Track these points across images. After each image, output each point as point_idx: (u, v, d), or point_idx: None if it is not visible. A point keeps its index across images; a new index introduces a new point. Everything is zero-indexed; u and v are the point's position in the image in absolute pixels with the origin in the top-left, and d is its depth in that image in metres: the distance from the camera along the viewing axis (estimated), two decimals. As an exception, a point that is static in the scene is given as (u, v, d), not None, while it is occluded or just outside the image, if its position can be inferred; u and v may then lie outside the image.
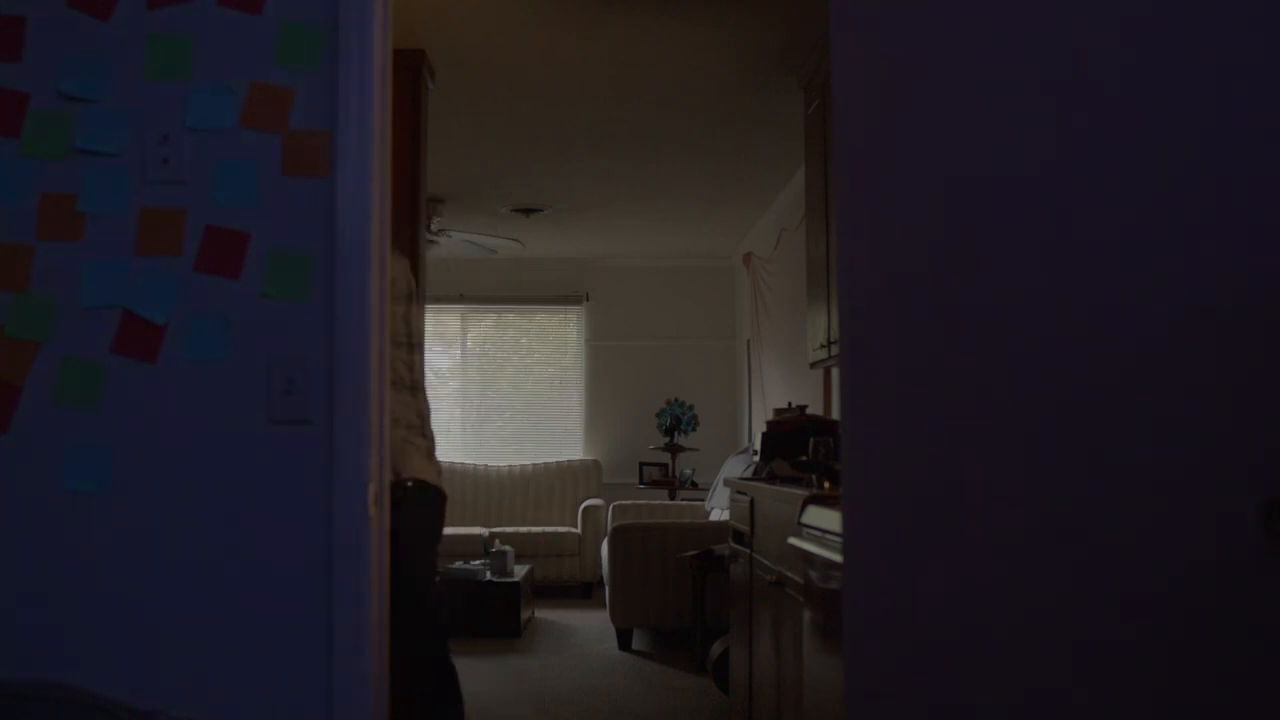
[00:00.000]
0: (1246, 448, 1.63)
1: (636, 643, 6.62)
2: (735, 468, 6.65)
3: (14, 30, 2.20)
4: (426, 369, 5.60)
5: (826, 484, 3.80)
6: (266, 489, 2.16)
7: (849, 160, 1.93)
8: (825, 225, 4.19)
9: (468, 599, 6.80)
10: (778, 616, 3.70)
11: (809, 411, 5.26)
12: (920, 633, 1.82)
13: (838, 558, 2.55)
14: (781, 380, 7.09)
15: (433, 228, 7.30)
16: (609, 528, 7.00)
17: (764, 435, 4.79)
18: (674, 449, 8.95)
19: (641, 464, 9.27)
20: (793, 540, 3.28)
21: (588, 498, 9.08)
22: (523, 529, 8.61)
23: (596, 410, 9.64)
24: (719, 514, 7.05)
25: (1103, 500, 1.70)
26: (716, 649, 5.34)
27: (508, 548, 7.19)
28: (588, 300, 9.69)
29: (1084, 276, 1.72)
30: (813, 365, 4.74)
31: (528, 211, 7.57)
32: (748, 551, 4.29)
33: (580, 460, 9.38)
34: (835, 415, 5.31)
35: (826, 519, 3.02)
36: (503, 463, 9.38)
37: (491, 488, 9.15)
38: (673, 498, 8.82)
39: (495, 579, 6.93)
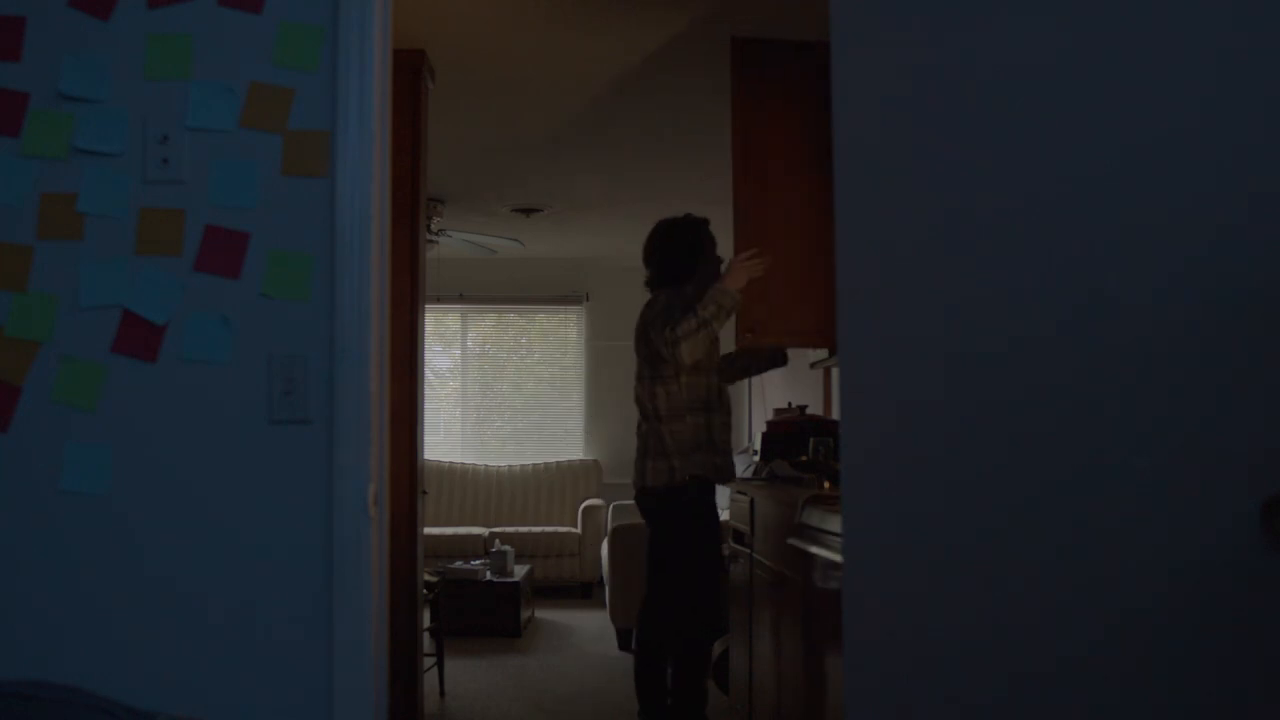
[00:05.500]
0: (1246, 448, 1.63)
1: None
2: (735, 468, 6.64)
3: (14, 30, 2.20)
4: (428, 370, 5.61)
5: (826, 484, 3.80)
6: (266, 489, 2.16)
7: (849, 160, 1.93)
8: (825, 225, 4.19)
9: (467, 599, 6.80)
10: (778, 616, 3.70)
11: (809, 411, 5.26)
12: (920, 633, 1.82)
13: (838, 558, 2.55)
14: (781, 380, 7.09)
15: (433, 228, 7.30)
16: (609, 528, 6.99)
17: (764, 435, 4.80)
18: (674, 449, 8.93)
19: (642, 464, 9.26)
20: (793, 540, 3.28)
21: (588, 498, 9.08)
22: (523, 529, 8.61)
23: (597, 410, 9.63)
24: (719, 514, 7.04)
25: (1102, 499, 1.70)
26: (716, 649, 5.34)
27: (508, 548, 7.19)
28: (588, 300, 9.68)
29: (1084, 276, 1.72)
30: (813, 365, 4.74)
31: (528, 211, 7.56)
32: (748, 551, 4.29)
33: (580, 460, 9.38)
34: (835, 415, 5.31)
35: (826, 519, 3.02)
36: (503, 463, 9.37)
37: (491, 488, 9.14)
38: (673, 498, 8.80)
39: (495, 579, 6.93)
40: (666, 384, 4.23)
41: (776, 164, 4.08)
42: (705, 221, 4.47)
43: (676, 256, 4.40)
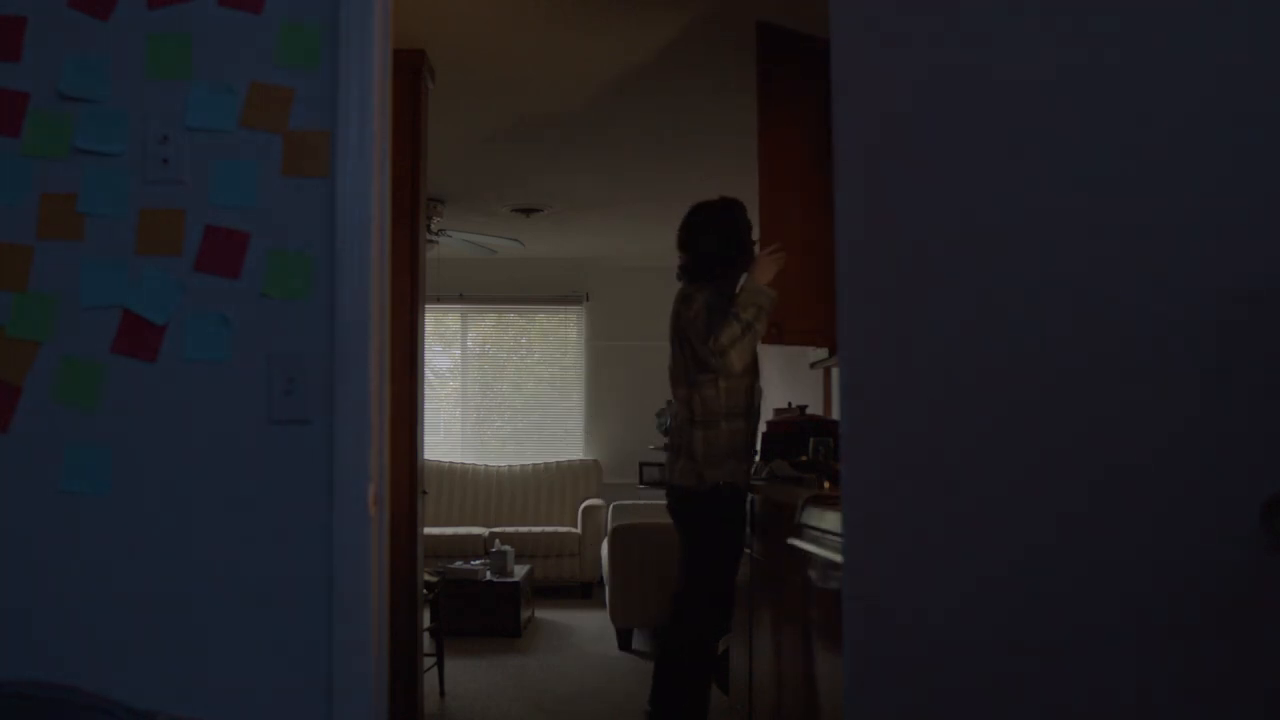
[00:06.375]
0: (1246, 448, 1.63)
1: (636, 643, 6.62)
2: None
3: (14, 30, 2.20)
4: (428, 370, 5.63)
5: (826, 484, 3.80)
6: (266, 489, 2.16)
7: (849, 160, 1.93)
8: (825, 225, 4.18)
9: (467, 599, 6.80)
10: (778, 616, 3.70)
11: (809, 411, 5.26)
12: (920, 633, 1.82)
13: (838, 558, 2.55)
14: (781, 380, 7.09)
15: (433, 228, 7.30)
16: (609, 528, 6.99)
17: (764, 435, 4.79)
18: (674, 449, 8.93)
19: (641, 464, 9.25)
20: (793, 540, 3.28)
21: (588, 498, 9.08)
22: (523, 529, 8.61)
23: (597, 410, 9.63)
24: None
25: (1103, 500, 1.70)
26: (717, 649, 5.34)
27: (508, 548, 7.19)
28: (588, 300, 9.68)
29: (1085, 277, 1.72)
30: (813, 365, 4.74)
31: (528, 211, 7.56)
32: (748, 551, 4.29)
33: (580, 460, 9.38)
34: (835, 415, 5.31)
35: (826, 519, 3.02)
36: (503, 463, 9.37)
37: (491, 488, 9.14)
38: (673, 498, 8.80)
39: (495, 579, 6.93)
40: (702, 389, 4.14)
41: (793, 158, 4.09)
42: (743, 205, 4.31)
43: (713, 249, 4.26)
